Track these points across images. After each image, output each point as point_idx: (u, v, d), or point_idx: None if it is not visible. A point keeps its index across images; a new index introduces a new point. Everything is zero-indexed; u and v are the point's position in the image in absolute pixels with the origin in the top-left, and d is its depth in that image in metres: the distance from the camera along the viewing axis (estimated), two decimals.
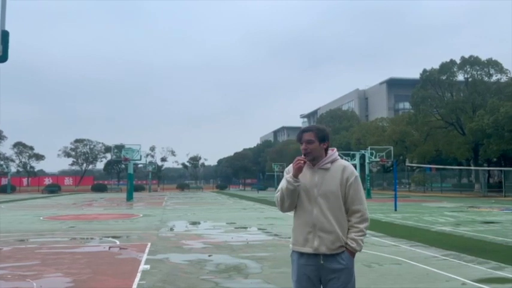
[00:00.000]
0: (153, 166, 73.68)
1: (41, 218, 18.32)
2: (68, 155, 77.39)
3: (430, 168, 50.04)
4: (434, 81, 44.60)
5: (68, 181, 76.49)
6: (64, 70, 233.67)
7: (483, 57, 43.73)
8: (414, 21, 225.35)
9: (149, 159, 75.21)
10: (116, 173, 79.34)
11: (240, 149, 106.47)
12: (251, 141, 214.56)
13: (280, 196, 2.95)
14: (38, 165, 78.33)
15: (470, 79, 44.38)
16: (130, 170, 39.02)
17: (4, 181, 63.81)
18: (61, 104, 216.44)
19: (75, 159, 78.30)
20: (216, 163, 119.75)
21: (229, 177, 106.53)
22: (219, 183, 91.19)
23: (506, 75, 43.50)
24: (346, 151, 46.19)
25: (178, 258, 8.27)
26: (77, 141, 77.38)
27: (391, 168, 51.46)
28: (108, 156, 73.18)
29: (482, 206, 23.86)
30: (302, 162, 2.87)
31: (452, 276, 6.56)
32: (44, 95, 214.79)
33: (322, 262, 2.82)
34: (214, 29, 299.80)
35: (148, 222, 16.02)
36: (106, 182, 75.91)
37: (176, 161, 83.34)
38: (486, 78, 43.67)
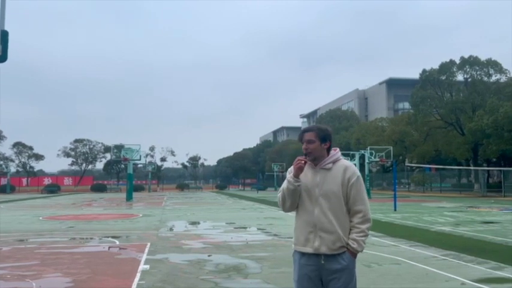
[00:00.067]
0: (153, 166, 73.67)
1: (41, 218, 18.31)
2: (67, 155, 77.39)
3: (430, 168, 50.06)
4: (433, 81, 44.61)
5: (67, 181, 76.48)
6: (64, 70, 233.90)
7: (482, 58, 43.83)
8: (414, 21, 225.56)
9: (149, 159, 75.29)
10: (116, 173, 79.29)
11: (239, 149, 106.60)
12: (251, 141, 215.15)
13: (281, 196, 2.96)
14: (37, 165, 78.44)
15: (469, 79, 44.42)
16: (130, 170, 39.01)
17: (3, 181, 63.77)
18: (61, 104, 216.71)
19: (74, 159, 78.31)
20: (215, 163, 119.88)
21: (229, 177, 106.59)
22: (219, 183, 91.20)
23: (506, 75, 43.54)
24: (346, 151, 46.16)
25: (178, 258, 8.26)
26: (76, 141, 77.36)
27: (391, 168, 51.47)
28: (108, 156, 73.20)
29: (482, 206, 23.87)
30: (302, 162, 2.87)
31: (452, 276, 6.57)
32: (43, 95, 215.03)
33: (323, 262, 2.82)
34: (214, 29, 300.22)
35: (147, 222, 16.02)
36: (105, 182, 75.87)
37: (176, 161, 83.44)
38: (485, 79, 43.71)
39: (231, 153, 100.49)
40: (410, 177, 54.49)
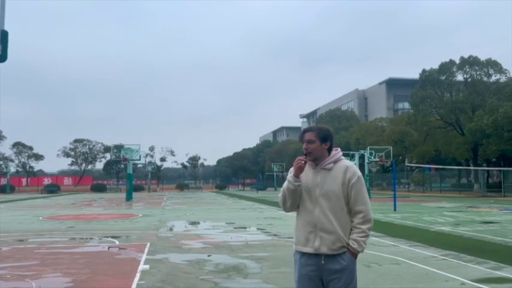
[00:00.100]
0: (153, 166, 73.68)
1: (40, 218, 18.30)
2: (67, 155, 77.39)
3: (430, 168, 50.08)
4: (433, 81, 44.62)
5: (67, 181, 76.48)
6: (64, 70, 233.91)
7: (482, 58, 43.86)
8: (413, 21, 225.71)
9: (148, 159, 75.31)
10: (115, 173, 79.28)
11: (239, 149, 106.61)
12: (250, 141, 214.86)
13: (282, 196, 2.97)
14: (37, 165, 78.44)
15: (469, 79, 44.44)
16: (130, 170, 39.01)
17: (3, 181, 63.75)
18: (61, 104, 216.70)
19: (74, 159, 78.31)
20: (215, 163, 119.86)
21: (229, 177, 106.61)
22: (219, 183, 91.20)
23: (506, 75, 43.56)
24: (346, 151, 46.13)
25: (178, 258, 8.27)
26: (76, 141, 77.35)
27: (391, 168, 51.48)
28: (108, 156, 73.20)
29: (482, 206, 23.88)
30: (302, 162, 2.87)
31: (452, 276, 6.57)
32: (43, 95, 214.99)
33: (323, 262, 2.81)
34: (214, 29, 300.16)
35: (147, 222, 16.02)
36: (105, 182, 75.84)
37: (175, 161, 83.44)
38: (485, 79, 43.73)
39: (231, 153, 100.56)
40: (410, 177, 54.50)
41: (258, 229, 13.49)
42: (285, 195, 2.93)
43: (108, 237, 11.55)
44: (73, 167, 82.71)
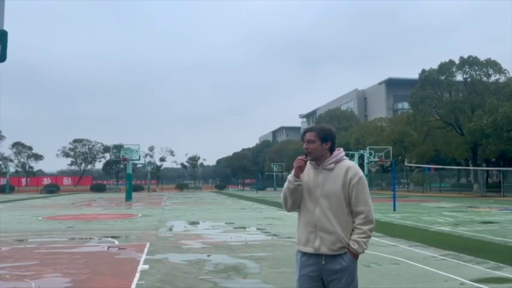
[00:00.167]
0: (152, 166, 73.68)
1: (40, 218, 18.29)
2: (66, 155, 77.36)
3: (429, 168, 50.10)
4: (433, 81, 44.64)
5: (66, 181, 76.48)
6: (64, 70, 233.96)
7: (482, 58, 43.87)
8: (413, 21, 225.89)
9: (148, 159, 75.32)
10: (115, 173, 79.28)
11: (239, 149, 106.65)
12: (250, 141, 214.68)
13: (283, 195, 2.98)
14: (36, 165, 78.38)
15: (469, 79, 44.46)
16: (129, 170, 38.99)
17: (3, 181, 63.72)
18: (60, 104, 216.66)
19: (74, 159, 78.28)
20: (215, 163, 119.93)
21: (228, 177, 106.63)
22: (218, 183, 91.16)
23: (505, 76, 43.59)
24: (345, 151, 45.77)
25: (177, 258, 8.26)
26: (75, 141, 77.32)
27: (390, 168, 51.51)
28: (107, 156, 73.21)
29: (481, 206, 23.88)
30: (302, 161, 2.87)
31: (451, 276, 6.57)
32: (43, 95, 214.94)
33: (323, 263, 2.82)
34: (214, 29, 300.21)
35: (147, 222, 16.01)
36: (105, 182, 75.79)
37: (175, 161, 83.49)
38: (485, 79, 43.75)
39: (231, 153, 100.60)
40: (410, 177, 54.52)
41: (257, 229, 13.49)
42: (285, 194, 2.95)
43: (107, 237, 11.54)
44: (72, 167, 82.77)
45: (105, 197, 45.05)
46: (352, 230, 2.86)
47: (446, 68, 44.16)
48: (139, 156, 40.86)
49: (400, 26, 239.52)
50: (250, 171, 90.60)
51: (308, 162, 2.94)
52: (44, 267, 7.49)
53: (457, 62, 44.23)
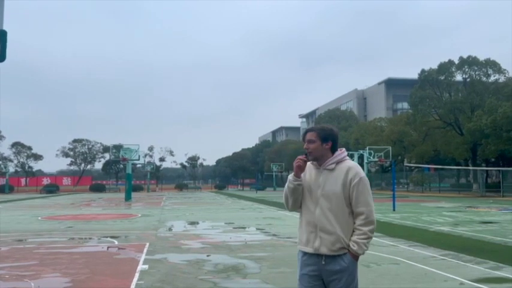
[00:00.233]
0: (152, 166, 73.68)
1: (39, 218, 18.29)
2: (66, 155, 77.28)
3: (429, 168, 50.13)
4: (432, 81, 44.67)
5: (66, 181, 76.47)
6: (64, 70, 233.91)
7: (481, 58, 43.92)
8: (413, 21, 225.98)
9: (148, 159, 75.35)
10: (115, 173, 79.27)
11: (238, 149, 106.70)
12: (250, 141, 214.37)
13: (284, 194, 2.99)
14: (36, 165, 78.29)
15: (468, 79, 44.50)
16: (129, 170, 38.98)
17: (2, 181, 63.69)
18: (60, 104, 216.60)
19: (73, 159, 78.20)
20: (214, 163, 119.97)
21: (228, 177, 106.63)
22: (218, 183, 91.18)
23: (505, 76, 43.64)
24: None
25: (177, 258, 8.26)
26: (75, 141, 77.27)
27: (390, 168, 51.53)
28: (107, 156, 73.24)
29: (481, 206, 23.89)
30: (301, 161, 2.87)
31: (451, 276, 6.57)
32: (43, 95, 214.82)
33: (323, 263, 2.82)
34: (214, 29, 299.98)
35: (146, 222, 16.01)
36: (104, 182, 75.77)
37: (175, 161, 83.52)
38: (484, 79, 43.79)
39: (230, 153, 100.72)
40: (409, 177, 54.57)
41: (257, 229, 13.49)
42: (286, 194, 2.96)
43: (107, 237, 11.54)
44: (72, 167, 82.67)
45: (105, 197, 45.03)
46: (353, 231, 2.85)
47: (445, 68, 44.19)
48: (139, 156, 40.85)
49: (400, 26, 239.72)
50: (249, 171, 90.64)
51: (310, 162, 2.94)
52: (44, 267, 7.49)
53: (456, 62, 44.27)
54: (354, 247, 2.81)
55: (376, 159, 42.61)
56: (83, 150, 77.85)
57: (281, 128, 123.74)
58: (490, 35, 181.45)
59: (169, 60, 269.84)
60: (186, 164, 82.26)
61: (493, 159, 45.11)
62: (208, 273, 6.93)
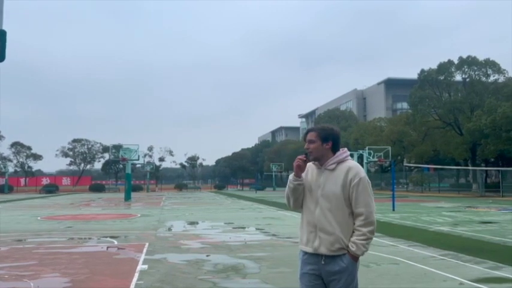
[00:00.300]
0: (151, 166, 73.63)
1: (39, 218, 18.28)
2: (65, 155, 77.19)
3: (428, 168, 50.15)
4: (432, 81, 44.69)
5: (65, 181, 76.36)
6: (64, 70, 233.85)
7: (481, 58, 43.94)
8: (412, 21, 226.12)
9: (147, 159, 75.24)
10: (114, 173, 79.21)
11: (238, 149, 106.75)
12: (249, 141, 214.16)
13: (285, 193, 3.01)
14: (35, 165, 78.17)
15: (468, 79, 44.51)
16: (128, 170, 38.97)
17: (1, 181, 63.61)
18: (60, 104, 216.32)
19: (73, 159, 78.10)
20: (214, 163, 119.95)
21: (228, 177, 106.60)
22: (217, 183, 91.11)
23: (504, 76, 43.66)
24: None
25: (176, 258, 8.26)
26: (74, 141, 77.19)
27: (389, 168, 51.53)
28: (106, 156, 73.17)
29: (480, 206, 23.90)
30: (301, 161, 2.88)
31: (450, 276, 6.57)
32: (43, 95, 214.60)
33: (323, 263, 2.82)
34: (214, 29, 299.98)
35: (146, 222, 16.00)
36: (104, 182, 75.75)
37: (174, 161, 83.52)
38: (484, 79, 43.81)
39: (230, 153, 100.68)
40: (409, 177, 54.57)
41: (256, 229, 13.49)
42: (287, 193, 2.97)
43: (106, 237, 11.53)
44: (71, 167, 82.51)
45: (104, 197, 45.02)
46: (353, 232, 2.85)
47: (445, 68, 44.21)
48: (139, 156, 40.82)
49: (400, 26, 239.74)
50: (249, 171, 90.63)
51: (312, 162, 2.94)
52: (43, 267, 7.48)
53: (456, 62, 44.29)
54: (353, 248, 2.80)
55: (375, 159, 42.59)
56: (82, 150, 77.78)
57: (281, 128, 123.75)
58: (489, 35, 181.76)
59: (169, 60, 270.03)
60: (185, 164, 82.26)
61: (492, 159, 45.13)
62: (208, 273, 6.93)
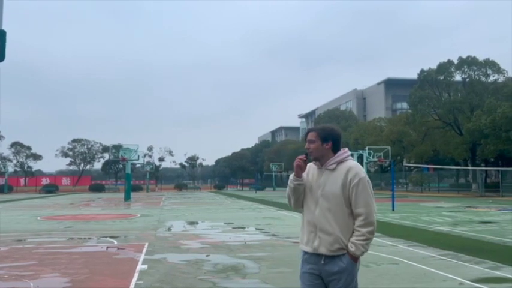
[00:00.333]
0: (151, 166, 73.60)
1: (38, 218, 18.27)
2: (65, 155, 77.15)
3: (428, 168, 50.14)
4: (432, 81, 44.70)
5: (65, 181, 76.36)
6: (64, 70, 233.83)
7: (480, 58, 43.95)
8: (412, 21, 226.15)
9: (147, 159, 75.20)
10: (114, 173, 79.18)
11: (238, 149, 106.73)
12: (249, 141, 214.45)
13: (287, 193, 3.02)
14: (35, 165, 78.09)
15: (467, 79, 44.51)
16: (128, 170, 38.96)
17: (1, 181, 63.59)
18: (60, 104, 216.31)
19: (72, 159, 78.05)
20: (214, 163, 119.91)
21: (227, 177, 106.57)
22: (217, 183, 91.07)
23: (504, 76, 43.69)
24: None
25: (176, 258, 8.26)
26: (74, 141, 77.16)
27: (389, 168, 51.51)
28: (106, 156, 73.14)
29: (480, 206, 23.91)
30: (300, 161, 2.88)
31: (450, 276, 6.57)
32: (43, 95, 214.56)
33: (322, 263, 2.83)
34: (214, 29, 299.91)
35: (146, 222, 16.00)
36: (104, 182, 75.72)
37: (174, 161, 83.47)
38: (483, 79, 43.83)
39: (230, 153, 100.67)
40: (409, 177, 54.56)
41: (256, 229, 13.49)
42: (288, 193, 2.98)
43: (106, 237, 11.53)
44: (71, 167, 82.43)
45: (104, 197, 45.01)
46: (352, 232, 2.85)
47: (445, 68, 44.22)
48: (138, 156, 40.81)
49: (400, 26, 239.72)
50: (249, 171, 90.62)
51: (313, 162, 2.94)
52: (43, 267, 7.48)
53: (455, 62, 44.30)
54: (352, 248, 2.80)
55: (375, 159, 42.57)
56: (82, 150, 77.73)
57: (280, 128, 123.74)
58: (489, 35, 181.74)
59: (169, 60, 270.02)
60: (185, 164, 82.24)
61: (492, 159, 45.14)
62: (208, 273, 6.93)
